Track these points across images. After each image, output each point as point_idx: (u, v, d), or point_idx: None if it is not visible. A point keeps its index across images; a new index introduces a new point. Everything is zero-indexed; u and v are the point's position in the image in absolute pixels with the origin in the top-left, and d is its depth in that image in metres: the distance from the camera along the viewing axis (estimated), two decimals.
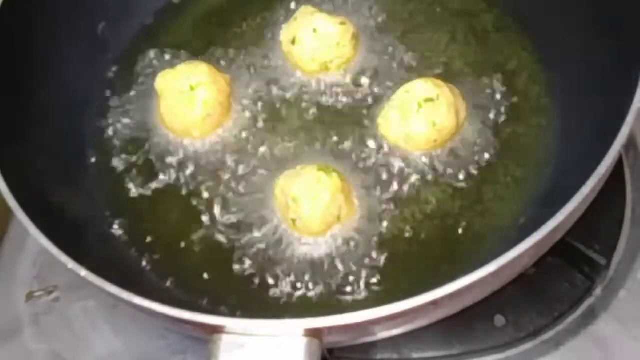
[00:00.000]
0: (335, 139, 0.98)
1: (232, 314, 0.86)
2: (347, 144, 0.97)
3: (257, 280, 0.89)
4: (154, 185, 0.98)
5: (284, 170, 0.93)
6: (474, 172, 0.93)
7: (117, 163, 1.00)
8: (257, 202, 0.94)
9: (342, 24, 1.01)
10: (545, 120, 0.96)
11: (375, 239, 0.89)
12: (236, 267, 0.90)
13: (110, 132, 1.03)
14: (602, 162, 0.73)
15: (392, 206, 0.91)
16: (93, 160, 1.01)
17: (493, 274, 0.68)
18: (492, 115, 0.96)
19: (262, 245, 0.91)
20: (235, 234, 0.92)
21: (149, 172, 0.99)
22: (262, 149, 0.98)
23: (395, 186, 0.93)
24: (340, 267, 0.88)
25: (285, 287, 0.88)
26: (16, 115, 0.92)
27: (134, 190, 0.98)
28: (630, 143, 0.99)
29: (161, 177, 0.98)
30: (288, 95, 1.02)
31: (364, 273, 0.87)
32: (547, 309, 0.90)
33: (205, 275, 0.90)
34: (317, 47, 1.00)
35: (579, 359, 0.89)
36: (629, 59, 0.81)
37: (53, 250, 0.76)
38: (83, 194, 0.96)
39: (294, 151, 0.97)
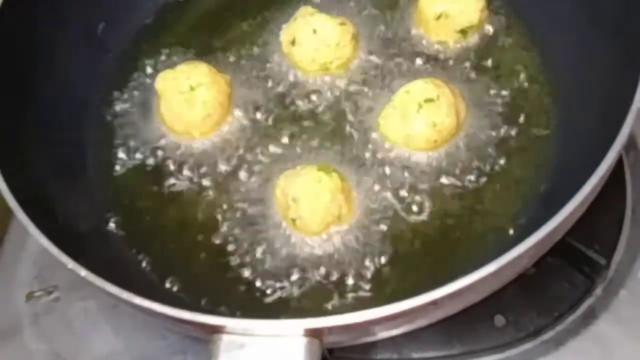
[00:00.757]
0: (335, 138, 0.98)
1: (232, 314, 0.85)
2: (347, 144, 0.97)
3: (257, 280, 0.88)
4: (154, 185, 0.98)
5: (284, 171, 0.93)
6: (474, 172, 0.93)
7: (117, 163, 1.00)
8: (257, 202, 0.94)
9: (342, 24, 1.01)
10: (546, 120, 0.96)
11: (375, 238, 0.89)
12: (236, 267, 0.90)
13: (110, 132, 1.03)
14: (602, 162, 0.73)
15: (392, 206, 0.91)
16: (93, 160, 1.01)
17: (493, 274, 0.68)
18: (492, 116, 0.96)
19: (262, 245, 0.91)
20: (235, 234, 0.92)
21: (149, 172, 0.99)
22: (262, 149, 0.98)
23: (395, 186, 0.93)
24: (340, 267, 0.88)
25: (285, 287, 0.88)
26: (16, 115, 0.92)
27: (134, 191, 0.98)
28: (630, 143, 1.00)
29: (161, 177, 0.98)
30: (288, 96, 1.02)
31: (364, 273, 0.87)
32: (547, 309, 0.90)
33: (205, 276, 0.90)
34: (317, 48, 1.00)
35: (579, 359, 0.89)
36: (629, 59, 0.81)
37: (53, 250, 0.76)
38: (83, 194, 0.96)
39: (294, 151, 0.97)
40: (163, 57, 1.08)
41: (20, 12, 0.94)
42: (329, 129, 0.99)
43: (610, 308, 0.91)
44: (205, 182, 0.97)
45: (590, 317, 0.91)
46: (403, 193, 0.92)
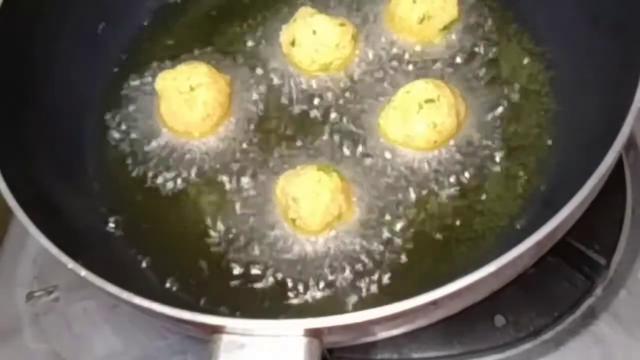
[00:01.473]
0: (335, 139, 0.97)
1: (232, 314, 0.86)
2: (347, 144, 0.97)
3: (257, 280, 0.89)
4: (154, 185, 0.98)
5: (283, 170, 0.93)
6: (474, 172, 0.93)
7: (117, 163, 1.00)
8: (257, 202, 0.94)
9: (342, 25, 1.01)
10: (546, 120, 0.96)
11: (375, 238, 0.89)
12: (236, 267, 0.90)
13: (110, 132, 1.03)
14: (602, 162, 0.73)
15: (391, 206, 0.91)
16: (93, 160, 1.01)
17: (493, 274, 0.68)
18: (492, 116, 0.96)
19: (263, 245, 0.91)
20: (235, 233, 0.92)
21: (149, 172, 0.99)
22: (262, 149, 0.98)
23: (395, 186, 0.93)
24: (340, 266, 0.88)
25: (285, 286, 0.88)
26: (16, 116, 0.92)
27: (134, 191, 0.98)
28: (630, 143, 0.99)
29: (161, 177, 0.98)
30: (288, 96, 1.02)
31: (364, 273, 0.87)
32: (547, 309, 0.90)
33: (205, 276, 0.90)
34: (316, 49, 1.00)
35: (579, 359, 0.89)
36: (629, 59, 0.81)
37: (53, 250, 0.76)
38: (83, 194, 0.97)
39: (294, 151, 0.97)
40: (163, 57, 1.08)
41: (20, 12, 0.95)
42: (329, 129, 0.99)
43: (610, 308, 0.91)
44: (205, 182, 0.97)
45: (590, 317, 0.91)
46: (403, 193, 0.92)
